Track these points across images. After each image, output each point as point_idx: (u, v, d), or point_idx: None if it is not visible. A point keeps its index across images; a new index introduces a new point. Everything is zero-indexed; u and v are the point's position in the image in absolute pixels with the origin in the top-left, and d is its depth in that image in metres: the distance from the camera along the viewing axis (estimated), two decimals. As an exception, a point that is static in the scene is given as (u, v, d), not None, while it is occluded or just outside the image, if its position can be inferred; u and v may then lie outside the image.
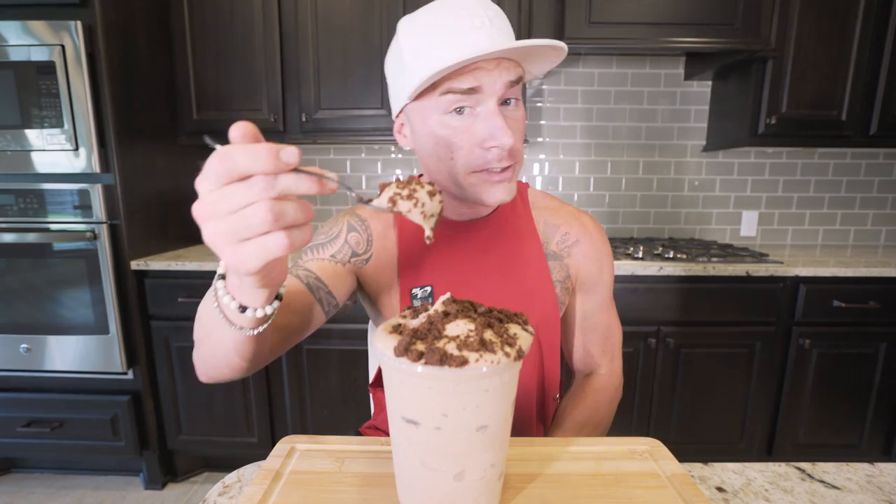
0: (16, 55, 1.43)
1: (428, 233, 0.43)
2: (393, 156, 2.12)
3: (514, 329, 0.39)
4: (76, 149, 1.48)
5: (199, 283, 1.61)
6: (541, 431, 0.75)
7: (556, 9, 1.66)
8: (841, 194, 2.09)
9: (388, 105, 1.76)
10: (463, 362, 0.34)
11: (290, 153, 0.30)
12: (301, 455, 0.50)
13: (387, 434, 0.75)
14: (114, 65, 1.50)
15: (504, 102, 0.58)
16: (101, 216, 1.53)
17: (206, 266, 1.58)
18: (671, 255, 1.62)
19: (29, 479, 1.80)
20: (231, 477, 0.51)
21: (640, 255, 1.63)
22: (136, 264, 1.57)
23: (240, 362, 0.48)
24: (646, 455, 0.50)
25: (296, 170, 0.31)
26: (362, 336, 1.64)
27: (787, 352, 1.61)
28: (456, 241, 0.69)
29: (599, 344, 0.78)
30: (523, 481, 0.45)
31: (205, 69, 1.76)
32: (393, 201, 0.40)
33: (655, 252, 1.67)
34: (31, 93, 1.45)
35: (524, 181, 2.05)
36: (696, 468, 0.52)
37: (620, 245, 1.81)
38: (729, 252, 1.71)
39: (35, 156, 1.49)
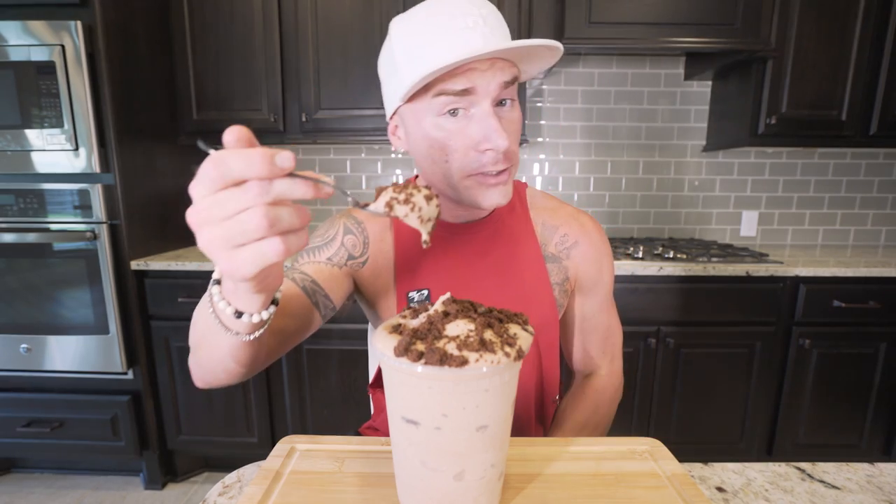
0: (16, 55, 1.43)
1: (425, 237, 0.43)
2: (393, 156, 2.12)
3: (514, 329, 0.39)
4: (76, 149, 1.48)
5: (199, 283, 1.61)
6: (540, 433, 0.75)
7: (556, 9, 1.66)
8: (841, 194, 2.09)
9: (388, 105, 1.76)
10: (463, 362, 0.34)
11: (284, 158, 0.30)
12: (301, 455, 0.50)
13: (385, 435, 0.75)
14: (114, 65, 1.50)
15: (499, 103, 0.57)
16: (101, 216, 1.53)
17: (206, 266, 1.58)
18: (671, 255, 1.62)
19: (29, 479, 1.80)
20: (231, 477, 0.51)
21: (640, 255, 1.63)
22: (136, 264, 1.57)
23: (236, 367, 0.48)
24: (646, 455, 0.50)
25: (291, 174, 0.31)
26: (362, 336, 1.64)
27: (787, 352, 1.61)
28: (453, 243, 0.68)
29: (599, 345, 0.77)
30: (523, 481, 0.45)
31: (205, 69, 1.76)
32: (390, 206, 0.39)
33: (655, 252, 1.67)
34: (31, 93, 1.45)
35: (524, 181, 2.06)
36: (696, 468, 0.52)
37: (620, 245, 1.81)
38: (729, 252, 1.71)
39: (35, 156, 1.49)
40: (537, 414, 0.73)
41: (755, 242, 2.14)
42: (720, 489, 0.49)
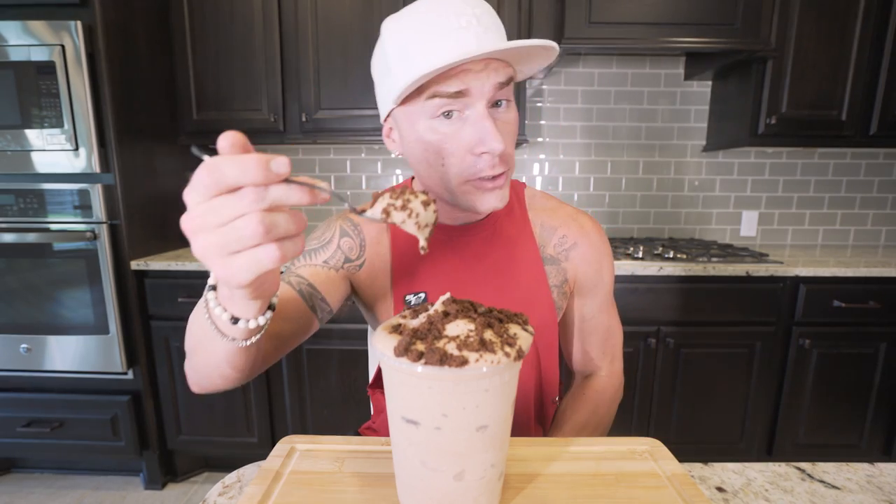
0: (16, 55, 1.43)
1: (422, 243, 0.42)
2: (393, 156, 2.12)
3: (514, 329, 0.39)
4: (76, 149, 1.48)
5: (199, 283, 1.61)
6: (540, 433, 0.74)
7: (556, 9, 1.66)
8: (841, 194, 2.09)
9: (388, 105, 1.76)
10: (463, 362, 0.34)
11: (280, 163, 0.30)
12: (301, 455, 0.50)
13: (384, 436, 0.75)
14: (114, 65, 1.50)
15: (495, 104, 0.56)
16: (101, 216, 1.53)
17: (205, 266, 1.58)
18: (671, 255, 1.62)
19: (29, 479, 1.80)
20: (231, 477, 0.51)
21: (640, 255, 1.63)
22: (136, 264, 1.57)
23: (232, 373, 0.48)
24: (646, 455, 0.50)
25: (287, 180, 0.31)
26: (362, 336, 1.64)
27: (787, 352, 1.61)
28: (450, 246, 0.67)
29: (599, 346, 0.76)
30: (523, 481, 0.45)
31: (205, 69, 1.76)
32: (387, 212, 0.39)
33: (655, 252, 1.67)
34: (31, 93, 1.45)
35: (523, 181, 2.06)
36: (696, 468, 0.52)
37: (620, 245, 1.81)
38: (729, 252, 1.71)
39: (35, 156, 1.49)
40: (537, 415, 0.73)
41: (755, 242, 2.14)
42: (720, 489, 0.49)
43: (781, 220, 2.12)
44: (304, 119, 1.77)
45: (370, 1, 1.69)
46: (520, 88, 1.76)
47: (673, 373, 1.63)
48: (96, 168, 1.50)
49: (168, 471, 1.79)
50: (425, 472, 0.38)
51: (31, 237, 1.53)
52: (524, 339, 0.38)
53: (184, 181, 1.88)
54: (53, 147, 1.48)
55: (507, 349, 0.36)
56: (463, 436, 0.37)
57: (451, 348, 0.35)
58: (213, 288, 0.40)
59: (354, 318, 1.65)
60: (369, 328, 0.91)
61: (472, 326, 0.38)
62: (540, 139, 2.09)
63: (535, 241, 0.70)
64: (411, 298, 0.66)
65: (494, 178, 0.57)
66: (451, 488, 0.39)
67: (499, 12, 1.69)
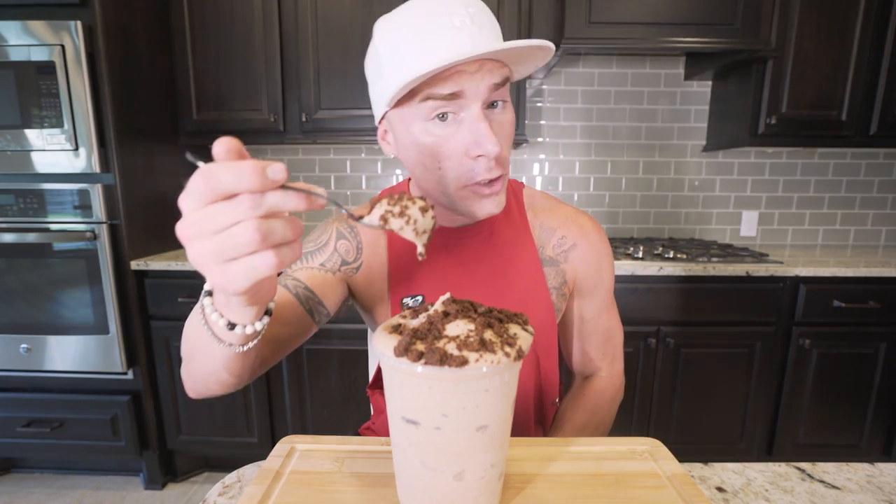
0: (16, 55, 1.43)
1: (420, 249, 0.42)
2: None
3: (514, 329, 0.39)
4: (76, 149, 1.48)
5: (199, 283, 1.61)
6: (539, 435, 0.74)
7: (556, 9, 1.66)
8: (841, 194, 2.09)
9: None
10: (463, 362, 0.34)
11: (276, 170, 0.29)
12: (301, 455, 0.50)
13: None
14: (114, 65, 1.50)
15: (491, 105, 0.55)
16: (101, 216, 1.53)
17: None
18: (671, 255, 1.62)
19: (29, 479, 1.80)
20: (231, 477, 0.51)
21: (640, 255, 1.63)
22: (136, 264, 1.57)
23: (229, 378, 0.47)
24: (646, 455, 0.50)
25: (283, 186, 0.30)
26: (362, 336, 1.64)
27: (787, 352, 1.61)
28: (447, 248, 0.67)
29: (599, 347, 0.76)
30: (523, 481, 0.45)
31: (205, 69, 1.76)
32: (384, 219, 0.39)
33: (655, 252, 1.67)
34: (31, 93, 1.45)
35: (523, 181, 2.06)
36: (696, 468, 0.52)
37: (620, 245, 1.81)
38: (729, 252, 1.71)
39: (35, 156, 1.49)
40: (536, 417, 0.72)
41: (755, 242, 2.14)
42: (720, 489, 0.49)
43: (781, 220, 2.12)
44: (304, 119, 1.77)
45: (370, 1, 1.70)
46: (520, 88, 1.76)
47: (673, 373, 1.63)
48: (96, 168, 1.50)
49: (168, 471, 1.79)
50: (425, 472, 0.38)
51: (31, 237, 1.53)
52: (524, 339, 0.38)
53: (184, 181, 1.88)
54: (53, 147, 1.48)
55: (507, 349, 0.36)
56: (463, 436, 0.37)
57: (451, 348, 0.35)
58: (210, 294, 0.40)
59: (354, 318, 1.65)
60: (369, 328, 0.91)
61: (472, 326, 0.38)
62: (540, 139, 2.09)
63: (534, 243, 0.70)
64: (408, 301, 0.66)
65: (491, 182, 0.56)
66: (451, 488, 0.39)
67: (499, 12, 1.69)
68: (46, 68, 1.43)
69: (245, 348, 0.42)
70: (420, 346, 0.36)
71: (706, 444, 1.69)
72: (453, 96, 0.51)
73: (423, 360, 0.35)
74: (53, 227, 1.53)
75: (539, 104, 2.06)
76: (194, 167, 0.29)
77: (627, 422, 1.68)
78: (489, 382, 0.36)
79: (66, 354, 1.60)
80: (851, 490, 0.49)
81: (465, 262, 0.67)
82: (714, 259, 1.61)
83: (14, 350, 1.60)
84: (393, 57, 0.53)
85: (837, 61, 1.67)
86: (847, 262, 1.64)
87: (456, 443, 0.37)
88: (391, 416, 0.40)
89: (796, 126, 1.71)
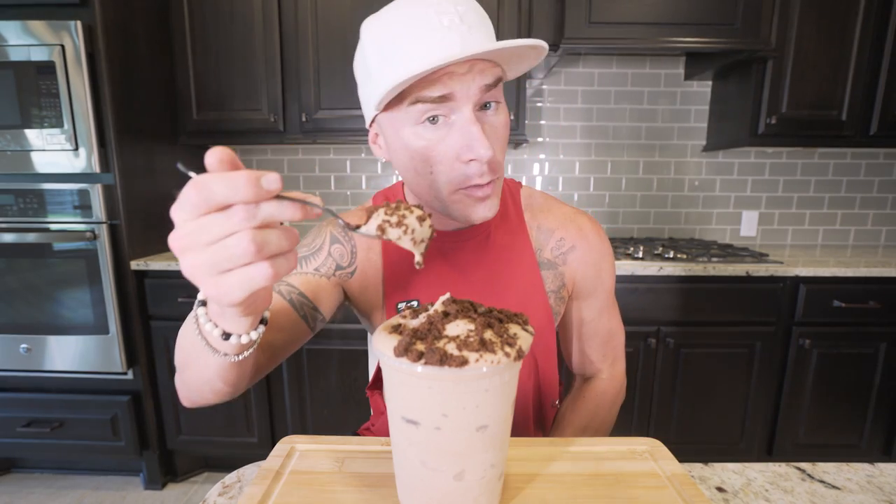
0: (16, 55, 1.43)
1: (418, 258, 0.42)
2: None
3: (514, 329, 0.39)
4: (76, 149, 1.48)
5: (199, 283, 1.60)
6: (539, 437, 0.74)
7: (556, 9, 1.66)
8: (841, 194, 2.09)
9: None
10: (463, 362, 0.34)
11: (271, 180, 0.29)
12: (301, 455, 0.50)
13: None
14: (114, 65, 1.50)
15: (483, 107, 0.53)
16: (100, 216, 1.53)
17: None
18: (671, 255, 1.62)
19: (29, 479, 1.80)
20: (231, 477, 0.51)
21: (640, 255, 1.63)
22: (135, 264, 1.57)
23: (224, 387, 0.47)
24: (646, 455, 0.50)
25: (278, 196, 0.30)
26: (362, 336, 1.64)
27: (787, 352, 1.61)
28: (443, 253, 0.66)
29: (599, 349, 0.74)
30: (523, 481, 0.45)
31: (205, 69, 1.76)
32: (382, 229, 0.38)
33: (655, 252, 1.67)
34: (31, 93, 1.45)
35: (523, 181, 2.06)
36: (696, 468, 0.52)
37: (620, 245, 1.81)
38: (729, 252, 1.71)
39: (35, 156, 1.49)
40: (536, 418, 0.72)
41: (755, 242, 2.14)
42: (720, 489, 0.49)
43: (781, 220, 2.12)
44: (304, 119, 1.77)
45: (370, 1, 1.69)
46: (520, 88, 1.76)
47: (673, 373, 1.63)
48: (96, 168, 1.50)
49: (168, 471, 1.79)
50: (425, 472, 0.38)
51: (31, 237, 1.53)
52: (524, 339, 0.38)
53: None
54: (53, 147, 1.48)
55: (507, 349, 0.36)
56: (463, 436, 0.37)
57: (451, 348, 0.35)
58: (203, 303, 0.39)
59: (354, 318, 1.65)
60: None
61: (472, 326, 0.38)
62: (540, 139, 2.09)
63: (532, 246, 0.68)
64: (403, 306, 0.65)
65: (484, 186, 0.54)
66: (451, 488, 0.39)
67: (499, 12, 1.69)
68: (46, 68, 1.43)
69: (240, 358, 0.41)
70: (420, 346, 0.36)
71: (706, 444, 1.69)
72: (443, 99, 0.50)
73: (423, 360, 0.35)
74: (53, 227, 1.53)
75: (539, 104, 2.06)
76: (195, 165, 0.29)
77: (627, 422, 1.68)
78: (489, 382, 0.36)
79: (65, 354, 1.60)
80: (851, 490, 0.49)
81: (460, 266, 0.66)
82: (714, 259, 1.61)
83: (14, 350, 1.60)
84: (380, 58, 0.51)
85: (837, 61, 1.67)
86: (847, 262, 1.64)
87: (456, 443, 0.37)
88: (391, 416, 0.40)
89: (796, 126, 1.71)
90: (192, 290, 1.61)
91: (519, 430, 0.68)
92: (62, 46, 1.42)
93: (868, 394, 1.63)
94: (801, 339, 1.58)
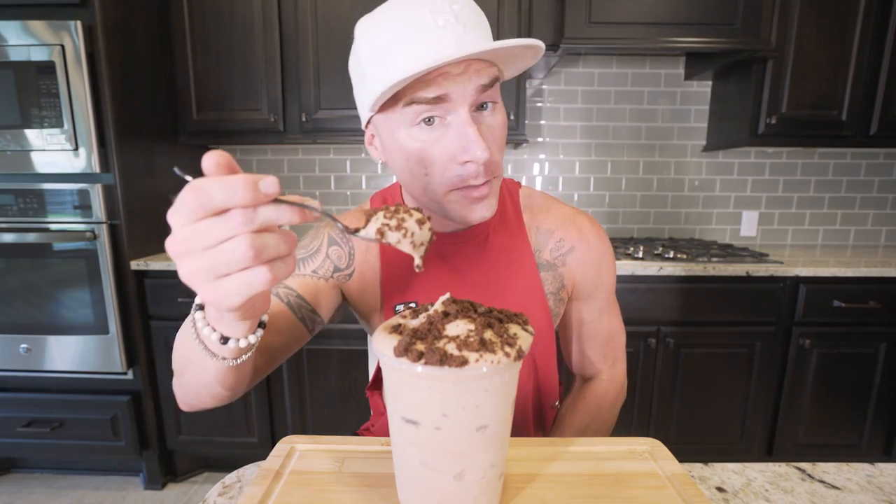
0: (16, 55, 1.43)
1: (417, 262, 0.41)
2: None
3: (514, 329, 0.39)
4: (76, 149, 1.48)
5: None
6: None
7: (556, 9, 1.66)
8: (841, 194, 2.09)
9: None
10: (463, 362, 0.34)
11: (269, 183, 0.29)
12: (301, 455, 0.50)
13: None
14: (114, 65, 1.50)
15: (479, 107, 0.52)
16: (100, 216, 1.53)
17: (193, 289, 1.57)
18: (671, 255, 1.62)
19: (29, 479, 1.80)
20: (231, 477, 0.51)
21: (640, 255, 1.63)
22: (135, 264, 1.57)
23: (222, 391, 0.47)
24: (646, 455, 0.50)
25: (276, 200, 0.30)
26: (362, 336, 1.64)
27: (787, 352, 1.61)
28: (441, 254, 0.65)
29: (600, 350, 0.74)
30: (523, 481, 0.45)
31: (205, 69, 1.76)
32: (381, 233, 0.38)
33: (655, 252, 1.67)
34: (31, 93, 1.45)
35: (523, 181, 2.06)
36: (696, 468, 0.52)
37: (620, 245, 1.81)
38: (729, 252, 1.71)
39: (35, 156, 1.49)
40: (535, 419, 0.71)
41: (755, 242, 2.14)
42: (720, 489, 0.49)
43: (781, 220, 2.12)
44: (304, 119, 1.77)
45: (370, 1, 1.69)
46: (520, 88, 1.76)
47: (673, 373, 1.63)
48: (96, 168, 1.50)
49: (168, 471, 1.79)
50: (425, 472, 0.38)
51: (31, 237, 1.53)
52: (524, 339, 0.38)
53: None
54: (53, 147, 1.48)
55: (507, 349, 0.36)
56: (463, 436, 0.37)
57: (451, 348, 0.35)
58: (201, 307, 0.39)
59: (354, 318, 1.65)
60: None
61: (472, 326, 0.38)
62: (540, 139, 2.09)
63: (531, 247, 0.68)
64: (401, 309, 0.65)
65: (480, 186, 0.54)
66: (451, 488, 0.39)
67: (499, 12, 1.69)
68: (46, 68, 1.43)
69: (238, 361, 0.41)
70: (420, 346, 0.36)
71: (706, 444, 1.69)
72: (438, 100, 0.49)
73: (423, 360, 0.35)
74: (53, 227, 1.53)
75: (539, 104, 2.06)
76: (195, 165, 0.29)
77: (627, 422, 1.68)
78: (489, 382, 0.36)
79: (65, 354, 1.60)
80: (851, 490, 0.49)
81: (458, 268, 0.66)
82: (714, 259, 1.61)
83: (14, 350, 1.60)
84: (374, 59, 0.51)
85: (837, 61, 1.67)
86: (847, 262, 1.64)
87: (456, 443, 0.37)
88: (391, 416, 0.40)
89: (796, 126, 1.71)
90: (191, 291, 1.59)
91: (518, 431, 0.68)
92: (62, 46, 1.42)
93: (868, 394, 1.63)
94: (801, 339, 1.58)
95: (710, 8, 1.57)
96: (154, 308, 1.63)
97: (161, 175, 1.76)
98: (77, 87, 1.45)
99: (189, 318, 0.40)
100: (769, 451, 1.69)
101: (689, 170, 2.09)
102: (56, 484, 1.77)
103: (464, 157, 0.51)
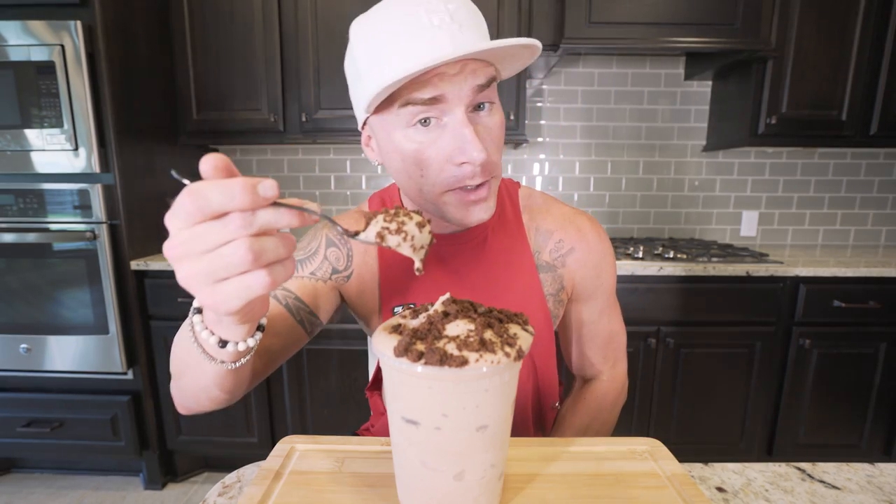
0: (16, 55, 1.43)
1: (418, 265, 0.41)
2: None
3: (514, 329, 0.39)
4: (76, 149, 1.48)
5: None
6: None
7: (556, 9, 1.66)
8: (841, 194, 2.09)
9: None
10: (463, 362, 0.34)
11: (267, 187, 0.28)
12: (301, 455, 0.50)
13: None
14: (114, 65, 1.50)
15: (476, 108, 0.51)
16: (100, 216, 1.53)
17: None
18: (671, 255, 1.62)
19: (29, 479, 1.80)
20: (231, 477, 0.51)
21: (640, 255, 1.63)
22: (135, 264, 1.57)
23: (221, 395, 0.46)
24: (646, 455, 0.50)
25: (274, 203, 0.30)
26: (362, 336, 1.64)
27: (787, 352, 1.61)
28: (440, 255, 0.65)
29: (600, 351, 0.73)
30: (523, 481, 0.45)
31: (205, 69, 1.76)
32: (381, 236, 0.38)
33: (655, 252, 1.67)
34: (31, 93, 1.45)
35: (523, 181, 2.06)
36: (696, 468, 0.52)
37: (620, 245, 1.81)
38: (729, 252, 1.71)
39: (35, 156, 1.49)
40: (535, 420, 0.71)
41: (755, 242, 2.14)
42: (720, 489, 0.49)
43: (781, 220, 2.12)
44: (304, 119, 1.77)
45: (370, 1, 1.69)
46: (520, 88, 1.76)
47: (673, 373, 1.63)
48: (96, 168, 1.50)
49: (168, 471, 1.79)
50: (425, 472, 0.38)
51: (31, 237, 1.53)
52: (524, 339, 0.38)
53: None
54: (53, 147, 1.48)
55: (507, 349, 0.36)
56: (463, 436, 0.37)
57: (451, 348, 0.35)
58: (199, 311, 0.39)
59: (354, 318, 1.64)
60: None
61: (472, 326, 0.38)
62: (540, 139, 2.09)
63: (530, 248, 0.67)
64: (400, 310, 0.65)
65: (477, 188, 0.53)
66: (451, 488, 0.39)
67: (499, 12, 1.69)
68: (46, 68, 1.43)
69: (237, 365, 0.41)
70: (420, 346, 0.36)
71: (706, 444, 1.69)
72: (434, 101, 0.48)
73: (423, 360, 0.35)
74: (53, 227, 1.53)
75: (539, 104, 2.06)
76: (195, 165, 0.29)
77: (627, 422, 1.68)
78: (489, 382, 0.36)
79: (65, 354, 1.60)
80: (851, 490, 0.49)
81: (457, 269, 0.65)
82: (714, 259, 1.61)
83: (14, 350, 1.60)
84: (369, 60, 0.50)
85: (837, 61, 1.67)
86: (847, 262, 1.64)
87: (456, 443, 0.37)
88: (391, 416, 0.40)
89: (796, 126, 1.71)
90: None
91: (518, 431, 0.68)
92: (62, 46, 1.42)
93: (868, 394, 1.63)
94: (801, 339, 1.58)
95: (710, 8, 1.57)
96: (154, 308, 1.63)
97: (161, 175, 1.76)
98: (77, 87, 1.45)
99: (187, 322, 0.40)
100: (769, 451, 1.69)
101: (689, 170, 2.09)
102: (56, 484, 1.77)
103: (460, 158, 0.50)
